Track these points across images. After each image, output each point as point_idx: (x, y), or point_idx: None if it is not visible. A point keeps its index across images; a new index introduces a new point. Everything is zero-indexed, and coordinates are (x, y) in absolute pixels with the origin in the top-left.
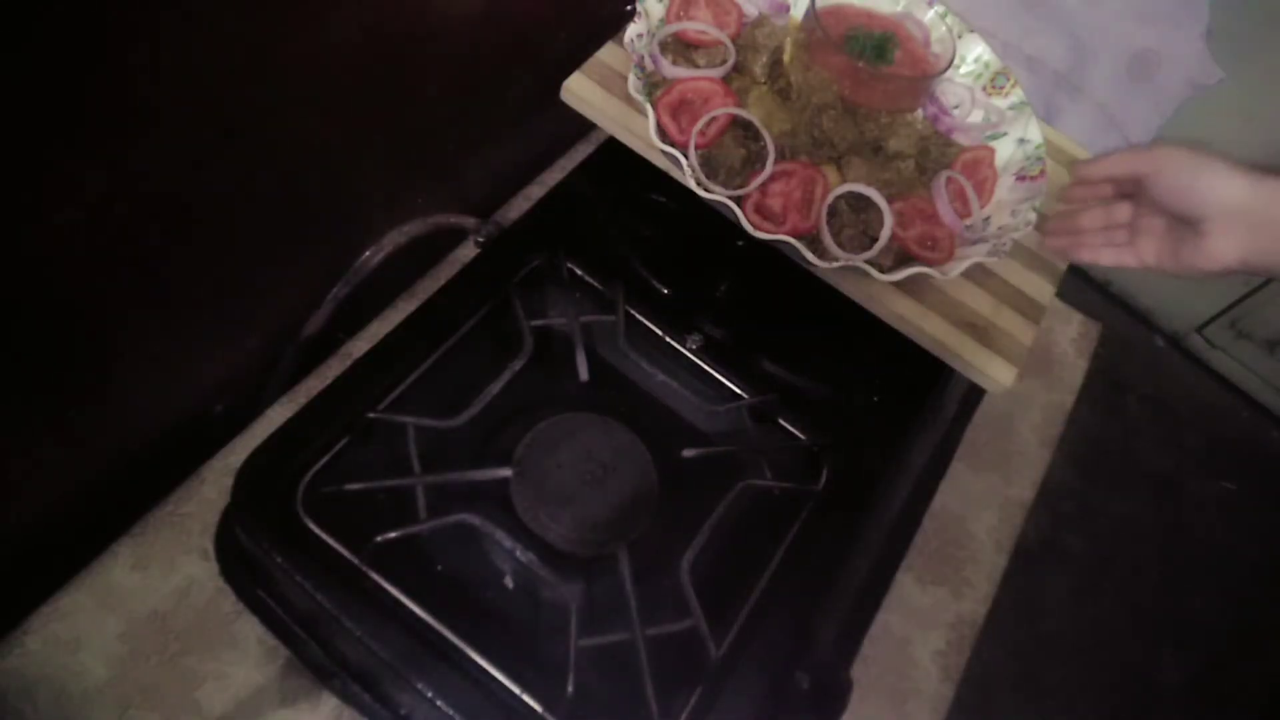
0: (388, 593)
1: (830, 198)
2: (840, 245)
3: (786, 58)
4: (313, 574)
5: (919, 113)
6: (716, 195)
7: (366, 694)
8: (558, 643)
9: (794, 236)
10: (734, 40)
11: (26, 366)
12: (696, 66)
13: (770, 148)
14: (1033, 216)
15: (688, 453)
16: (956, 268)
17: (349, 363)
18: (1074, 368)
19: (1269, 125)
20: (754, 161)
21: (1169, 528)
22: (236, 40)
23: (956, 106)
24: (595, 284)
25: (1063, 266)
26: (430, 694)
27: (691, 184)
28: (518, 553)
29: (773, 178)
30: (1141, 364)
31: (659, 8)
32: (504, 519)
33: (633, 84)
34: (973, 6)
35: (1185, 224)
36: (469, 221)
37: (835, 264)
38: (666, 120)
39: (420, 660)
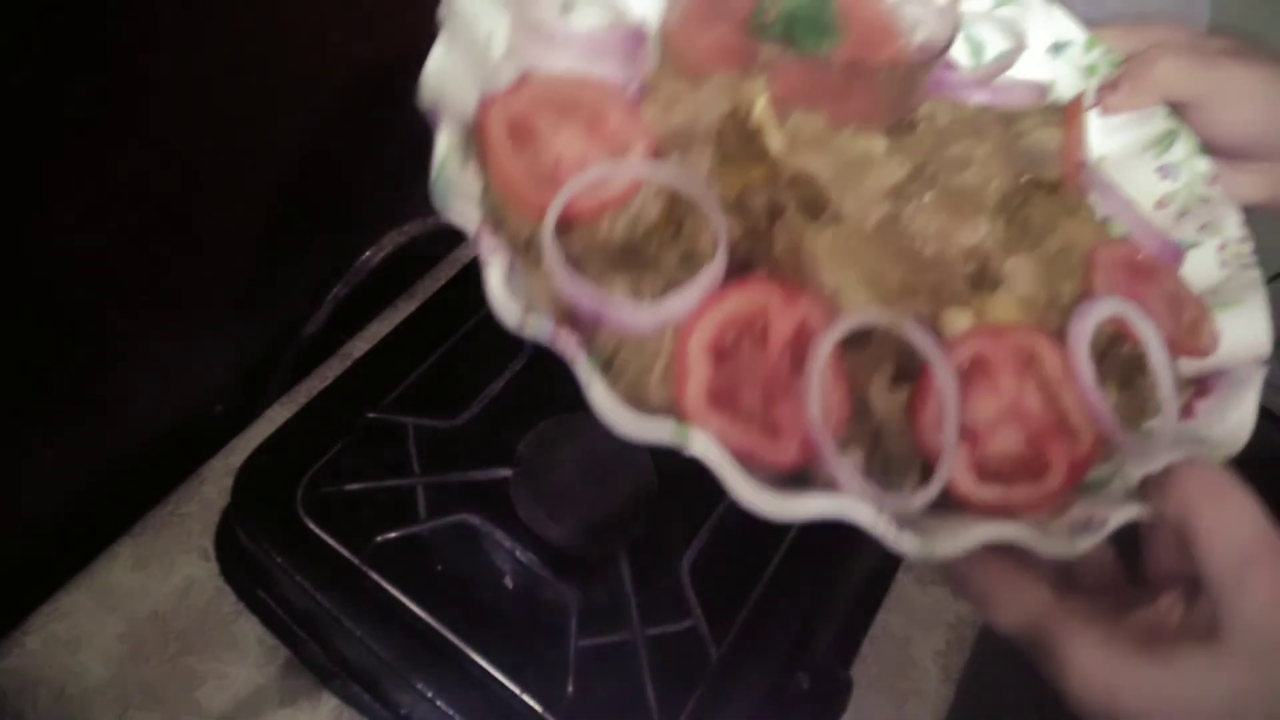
0: (388, 593)
1: (1085, 368)
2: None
3: (774, 137)
4: (313, 574)
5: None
6: (955, 542)
7: (366, 694)
8: (558, 643)
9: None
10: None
11: (27, 367)
12: (634, 257)
13: (930, 347)
14: (1207, 164)
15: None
16: (1247, 329)
17: (349, 363)
18: None
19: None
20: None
21: None
22: (236, 41)
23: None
24: None
25: None
26: (430, 694)
27: (908, 544)
28: (518, 553)
29: (963, 400)
30: None
31: (471, 180)
32: (504, 519)
33: (614, 404)
34: None
35: None
36: None
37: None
38: (739, 437)
39: (420, 660)
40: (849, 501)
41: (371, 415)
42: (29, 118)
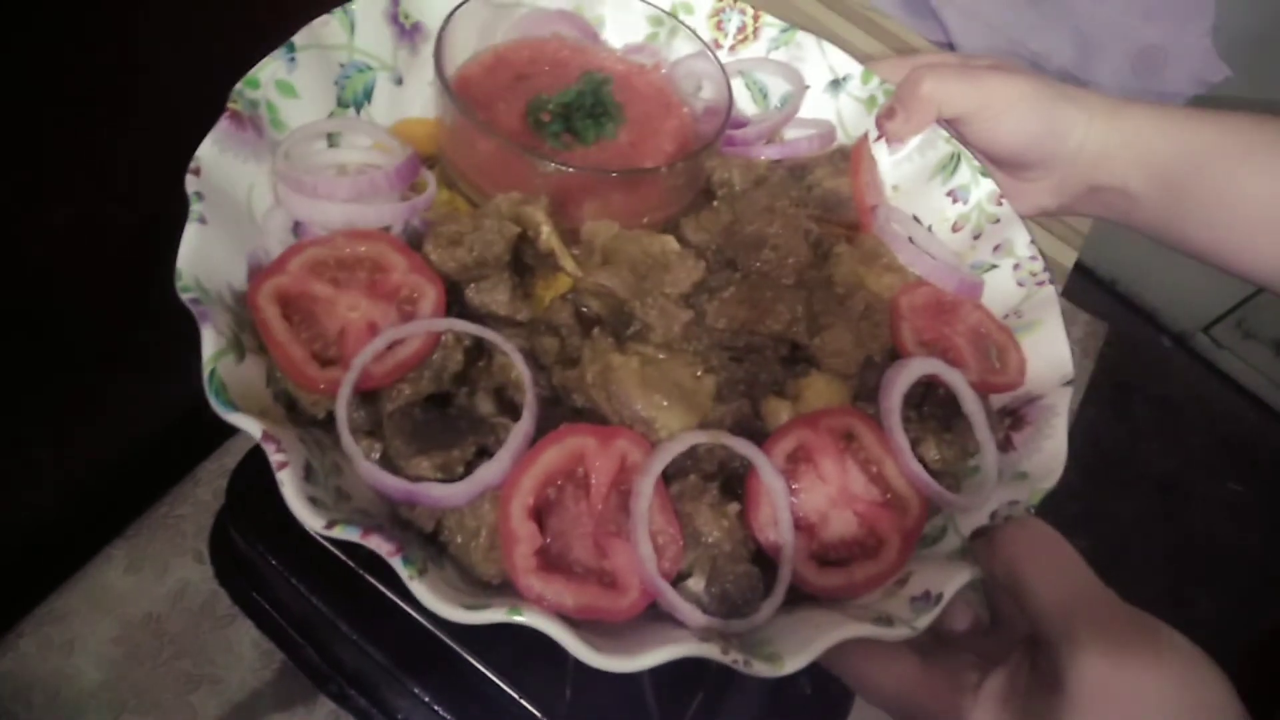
0: (384, 596)
1: (900, 439)
2: (945, 474)
3: (568, 262)
4: (308, 577)
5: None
6: (803, 657)
7: (362, 698)
8: (556, 648)
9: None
10: (443, 298)
11: (21, 369)
12: (438, 415)
13: (753, 453)
14: (992, 184)
15: None
16: (1049, 352)
17: None
18: (1080, 368)
19: None
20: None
21: (1175, 529)
22: (234, 37)
23: (705, 87)
24: None
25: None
26: (427, 698)
27: (760, 670)
28: None
29: (791, 492)
30: (1148, 364)
31: (256, 372)
32: None
33: (442, 602)
34: (978, 4)
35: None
36: None
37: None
38: (577, 600)
39: (417, 664)
40: (693, 645)
41: None
42: (27, 117)
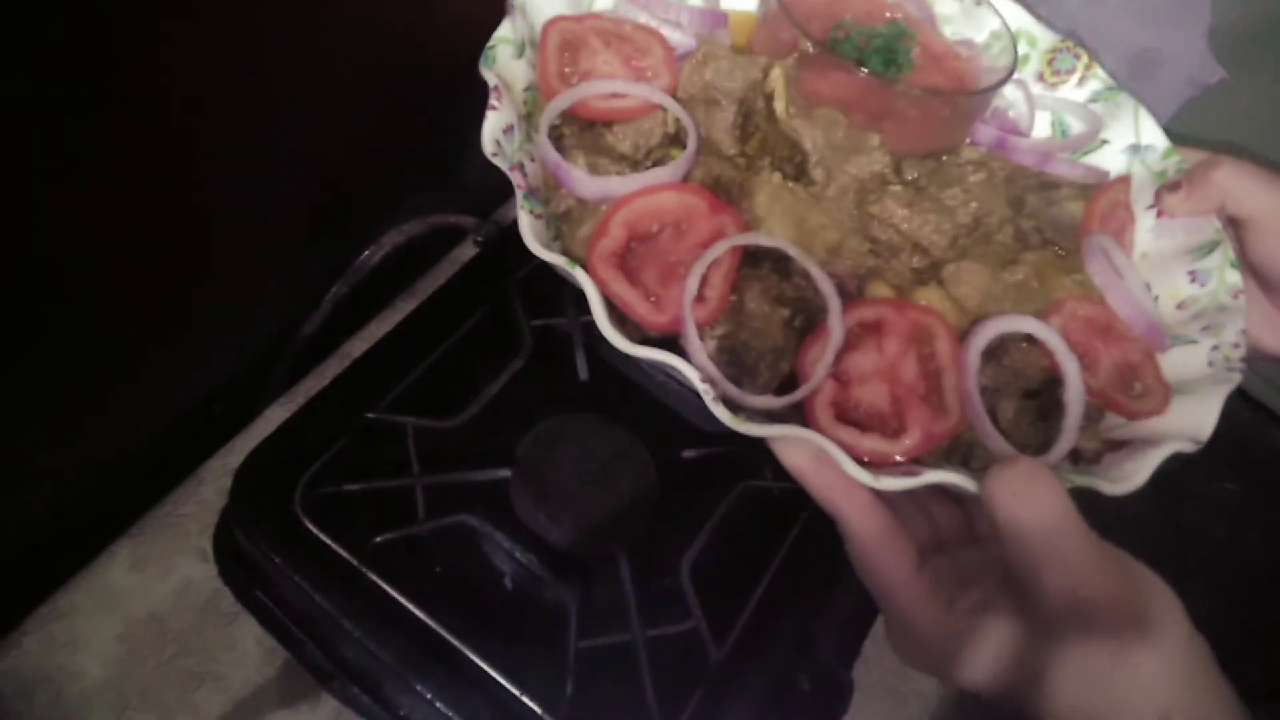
0: (387, 594)
1: (972, 359)
2: (1015, 443)
3: (780, 103)
4: (311, 575)
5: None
6: (756, 426)
7: (366, 695)
8: (557, 644)
9: (930, 454)
10: (673, 95)
11: (25, 367)
12: (624, 160)
13: (828, 290)
14: (1237, 278)
15: (688, 453)
16: (1194, 415)
17: (348, 363)
18: None
19: (1272, 124)
20: (804, 324)
21: (1170, 529)
22: (237, 41)
23: (1010, 111)
24: None
25: None
26: (429, 695)
27: (719, 412)
28: (517, 553)
29: (849, 347)
30: None
31: (521, 69)
32: (503, 519)
33: (529, 230)
34: None
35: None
36: (468, 221)
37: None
38: (621, 291)
39: (419, 661)
40: (682, 362)
41: (370, 415)
42: (30, 117)
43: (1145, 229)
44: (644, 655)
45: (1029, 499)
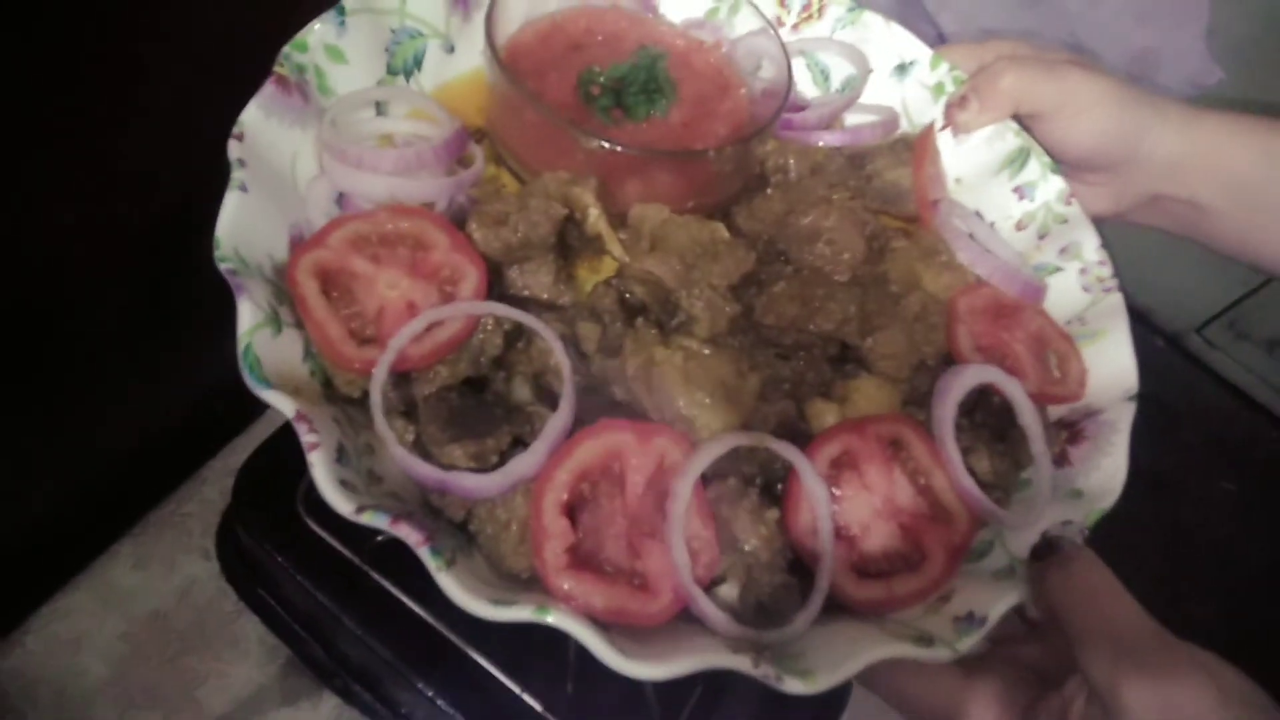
0: (389, 593)
1: (953, 454)
2: (997, 484)
3: (616, 248)
4: (313, 573)
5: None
6: (827, 680)
7: (367, 693)
8: (558, 644)
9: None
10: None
11: (29, 368)
12: (486, 413)
13: (793, 455)
14: (1062, 182)
15: None
16: (1114, 363)
17: None
18: None
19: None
20: (765, 484)
21: (1168, 528)
22: (235, 40)
23: (763, 70)
24: None
25: None
26: (431, 693)
27: (792, 687)
28: None
29: (834, 500)
30: (1141, 365)
31: (292, 350)
32: None
33: (463, 592)
34: (972, 7)
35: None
36: None
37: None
38: (605, 602)
39: (421, 660)
40: (725, 655)
41: None
42: (29, 117)
43: (949, 152)
44: None
45: (1096, 605)
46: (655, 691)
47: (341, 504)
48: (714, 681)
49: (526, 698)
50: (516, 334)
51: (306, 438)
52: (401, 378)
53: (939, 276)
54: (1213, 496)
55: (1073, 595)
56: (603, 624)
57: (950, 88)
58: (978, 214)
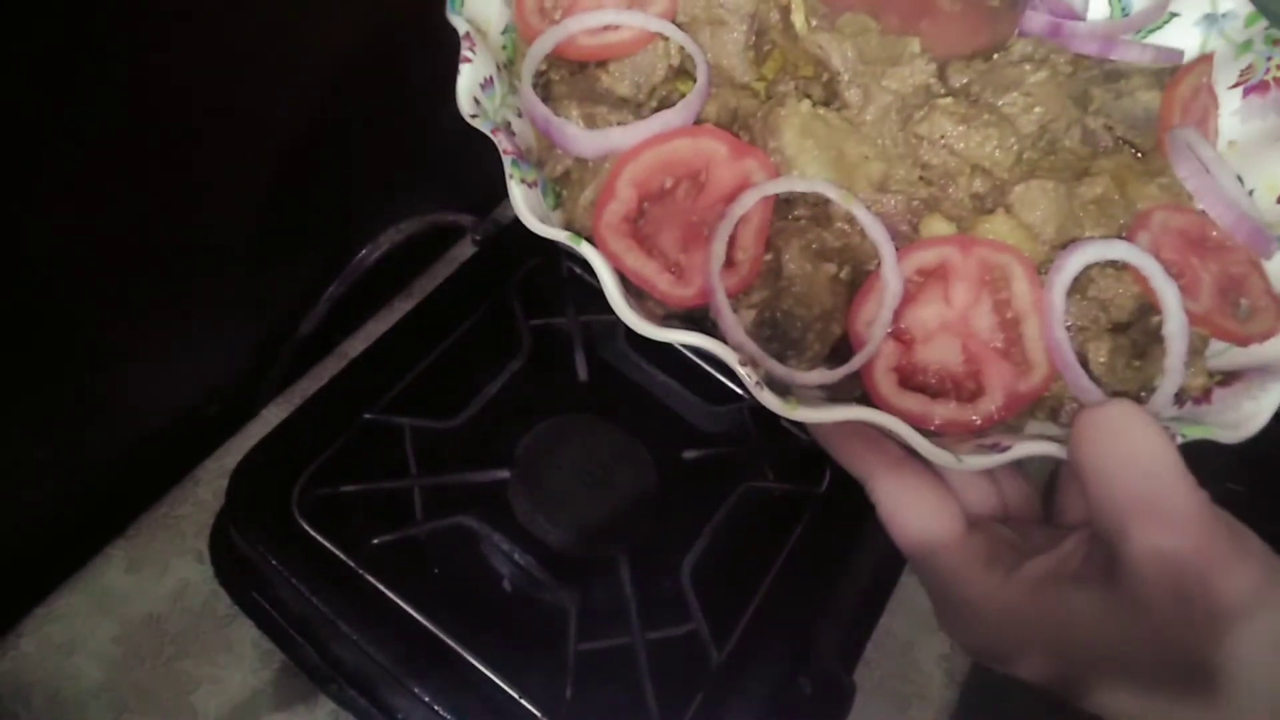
0: (384, 596)
1: (1057, 300)
2: (1112, 391)
3: (799, 15)
4: (308, 577)
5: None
6: (813, 410)
7: (363, 698)
8: (557, 647)
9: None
10: (673, 19)
11: (19, 366)
12: (625, 105)
13: (879, 235)
14: None
15: (688, 454)
16: None
17: (345, 363)
18: None
19: None
20: (852, 277)
21: None
22: (233, 37)
23: None
24: (595, 282)
25: None
26: (427, 698)
27: (767, 399)
28: (516, 555)
29: (909, 300)
30: None
31: (496, 8)
32: (502, 521)
33: (522, 202)
34: None
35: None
36: (466, 220)
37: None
38: (636, 264)
39: (417, 664)
40: (722, 347)
41: (368, 416)
42: (27, 112)
43: (1230, 112)
44: (644, 658)
45: (1121, 441)
46: (656, 697)
47: (465, 103)
48: (716, 688)
49: (524, 702)
50: (681, 71)
51: (465, 52)
52: (574, 71)
53: (1145, 188)
54: (1218, 497)
55: (1092, 433)
56: (625, 281)
57: (1260, 47)
58: (1240, 180)
